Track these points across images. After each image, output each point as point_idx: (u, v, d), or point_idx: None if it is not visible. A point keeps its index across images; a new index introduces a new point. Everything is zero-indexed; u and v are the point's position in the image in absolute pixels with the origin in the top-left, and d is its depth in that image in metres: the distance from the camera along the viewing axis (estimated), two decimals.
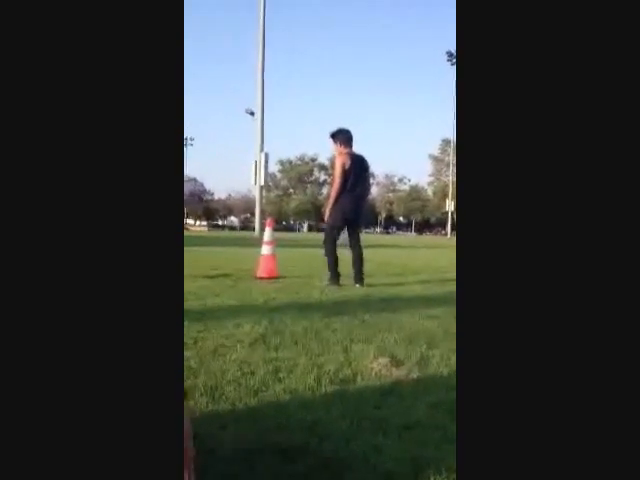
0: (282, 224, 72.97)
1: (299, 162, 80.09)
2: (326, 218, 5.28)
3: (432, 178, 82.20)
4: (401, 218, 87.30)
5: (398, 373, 2.14)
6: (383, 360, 2.28)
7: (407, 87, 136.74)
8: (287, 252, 10.08)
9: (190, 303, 3.68)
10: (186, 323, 2.88)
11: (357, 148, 5.27)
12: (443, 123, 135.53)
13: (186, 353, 2.29)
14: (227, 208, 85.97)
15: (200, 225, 75.83)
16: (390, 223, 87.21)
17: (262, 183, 23.21)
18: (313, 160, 79.64)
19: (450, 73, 52.36)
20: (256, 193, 25.16)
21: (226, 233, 45.08)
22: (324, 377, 2.03)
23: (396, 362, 2.28)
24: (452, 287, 4.76)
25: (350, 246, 5.26)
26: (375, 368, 2.18)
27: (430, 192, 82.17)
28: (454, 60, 39.39)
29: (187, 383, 1.89)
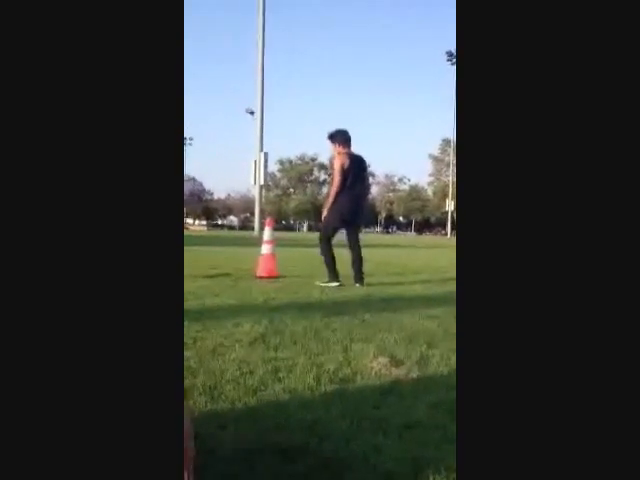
0: (282, 224, 73.00)
1: (299, 162, 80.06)
2: (323, 217, 5.28)
3: (432, 178, 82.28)
4: (401, 218, 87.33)
5: (398, 373, 2.14)
6: (383, 359, 2.28)
7: (407, 87, 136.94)
8: (287, 252, 10.08)
9: (189, 303, 3.67)
10: (185, 323, 2.87)
11: (357, 148, 5.29)
12: (443, 123, 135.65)
13: (185, 353, 2.29)
14: (226, 208, 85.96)
15: (199, 225, 75.81)
16: (390, 223, 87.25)
17: (262, 183, 23.24)
18: (313, 160, 79.57)
19: (450, 73, 52.49)
20: (256, 193, 25.17)
21: (225, 233, 45.08)
22: (324, 376, 2.03)
23: (396, 362, 2.27)
24: (452, 287, 4.76)
25: (349, 246, 5.27)
26: (375, 368, 2.18)
27: (430, 192, 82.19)
28: (454, 60, 39.39)
29: (186, 382, 1.88)
